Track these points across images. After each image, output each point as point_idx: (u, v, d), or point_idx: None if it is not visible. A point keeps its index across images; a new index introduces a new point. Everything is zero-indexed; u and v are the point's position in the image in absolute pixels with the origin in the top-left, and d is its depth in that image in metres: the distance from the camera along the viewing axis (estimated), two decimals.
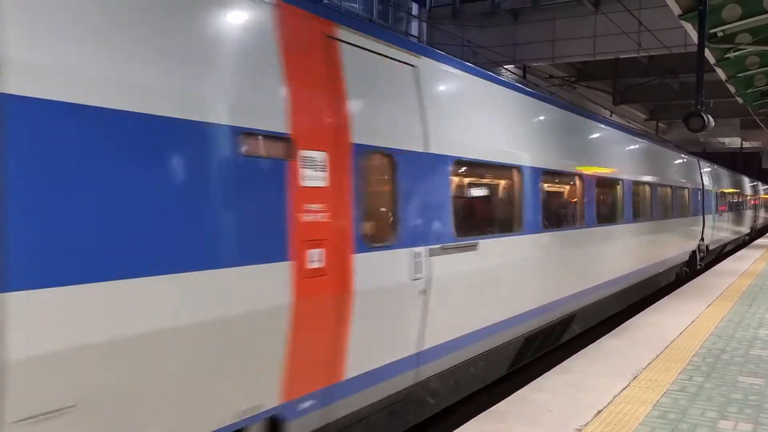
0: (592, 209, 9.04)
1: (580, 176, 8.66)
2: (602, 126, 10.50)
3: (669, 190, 13.87)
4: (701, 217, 17.54)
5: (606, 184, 9.96)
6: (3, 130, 2.56)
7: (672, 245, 14.24)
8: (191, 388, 3.33)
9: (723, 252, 22.97)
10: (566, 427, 4.81)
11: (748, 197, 32.44)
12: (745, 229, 29.91)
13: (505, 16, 21.48)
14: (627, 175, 10.85)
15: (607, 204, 10.19)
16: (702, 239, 17.51)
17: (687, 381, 5.96)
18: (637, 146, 12.27)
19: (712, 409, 5.18)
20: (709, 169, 20.41)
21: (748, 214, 31.63)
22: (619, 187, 10.49)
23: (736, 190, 27.09)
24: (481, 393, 7.14)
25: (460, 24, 21.65)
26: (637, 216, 11.41)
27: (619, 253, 10.51)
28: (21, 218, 2.61)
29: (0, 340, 2.53)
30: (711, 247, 19.04)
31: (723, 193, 22.55)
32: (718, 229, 20.76)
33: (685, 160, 16.80)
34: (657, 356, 6.89)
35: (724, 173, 24.53)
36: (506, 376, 7.51)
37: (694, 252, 16.74)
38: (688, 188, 15.92)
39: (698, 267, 16.98)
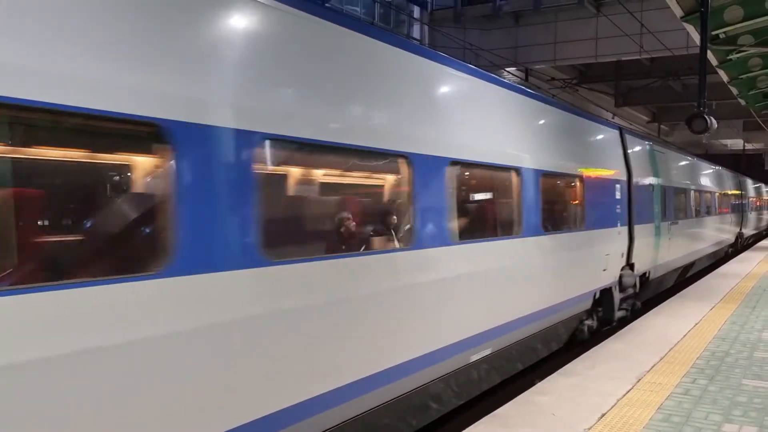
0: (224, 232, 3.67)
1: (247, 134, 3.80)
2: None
3: (514, 179, 7.02)
4: (625, 229, 10.57)
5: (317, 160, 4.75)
6: None
7: (529, 294, 7.39)
8: None
9: (687, 276, 16.53)
10: (570, 430, 4.80)
11: (734, 197, 24.79)
12: (725, 242, 22.05)
13: (507, 19, 21.49)
14: (400, 144, 5.15)
15: (314, 212, 4.93)
16: (629, 265, 10.81)
17: (691, 384, 5.94)
18: (449, 87, 6.20)
19: (717, 413, 5.16)
20: (646, 151, 12.52)
21: (732, 219, 23.88)
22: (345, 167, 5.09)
23: (710, 187, 19.66)
24: (484, 397, 7.12)
25: (461, 27, 21.68)
26: (450, 232, 5.73)
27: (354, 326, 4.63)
28: None
29: None
30: (654, 275, 12.36)
31: (682, 190, 15.39)
32: (669, 246, 13.43)
33: (585, 127, 9.67)
34: (661, 359, 6.87)
35: (685, 160, 17.04)
36: (509, 379, 7.47)
37: (608, 290, 9.93)
38: (581, 178, 8.82)
39: (620, 315, 10.44)
